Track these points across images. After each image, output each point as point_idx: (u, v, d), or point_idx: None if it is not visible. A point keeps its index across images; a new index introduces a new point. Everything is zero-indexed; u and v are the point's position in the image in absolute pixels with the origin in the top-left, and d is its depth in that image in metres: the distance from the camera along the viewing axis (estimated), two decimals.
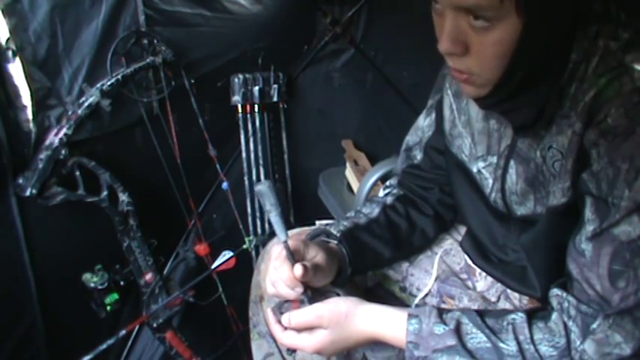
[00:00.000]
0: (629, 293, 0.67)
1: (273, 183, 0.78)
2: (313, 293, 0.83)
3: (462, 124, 0.92)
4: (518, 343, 0.73)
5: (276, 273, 0.82)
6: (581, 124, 0.71)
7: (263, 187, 0.81)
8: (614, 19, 0.70)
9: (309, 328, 0.80)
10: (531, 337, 0.73)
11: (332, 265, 0.88)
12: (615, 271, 0.68)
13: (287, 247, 0.81)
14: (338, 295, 0.85)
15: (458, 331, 0.75)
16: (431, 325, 0.76)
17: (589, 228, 0.71)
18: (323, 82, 1.83)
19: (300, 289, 0.81)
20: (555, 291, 0.76)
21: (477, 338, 0.75)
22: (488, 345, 0.74)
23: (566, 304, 0.73)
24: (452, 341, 0.74)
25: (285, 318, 0.80)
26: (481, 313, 0.77)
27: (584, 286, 0.71)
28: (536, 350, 0.72)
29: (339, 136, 1.90)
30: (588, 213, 0.71)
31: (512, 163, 0.84)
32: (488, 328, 0.75)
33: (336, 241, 0.93)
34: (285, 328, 0.81)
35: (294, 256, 0.81)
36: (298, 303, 0.83)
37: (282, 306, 0.84)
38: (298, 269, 0.78)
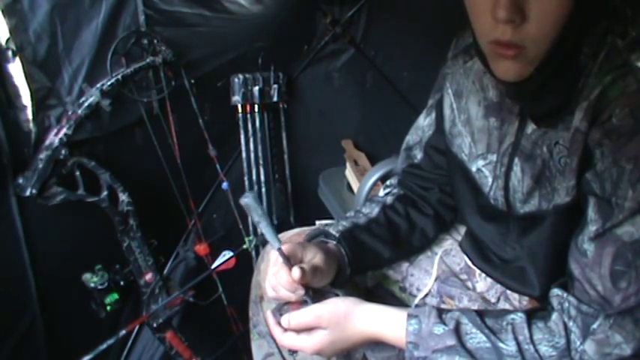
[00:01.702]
0: (631, 294, 0.67)
1: (256, 193, 0.79)
2: (313, 294, 0.83)
3: (461, 123, 0.92)
4: (518, 344, 0.73)
5: (275, 279, 0.83)
6: (587, 123, 0.71)
7: (249, 200, 0.81)
8: (625, 17, 0.70)
9: (309, 329, 0.80)
10: (531, 337, 0.73)
11: (331, 266, 0.87)
12: (617, 271, 0.68)
13: (282, 253, 0.81)
14: (337, 295, 0.85)
15: (457, 331, 0.75)
16: (430, 326, 0.76)
17: (592, 228, 0.71)
18: (323, 82, 1.83)
19: (301, 292, 0.81)
20: (556, 291, 0.76)
21: (476, 338, 0.75)
22: (488, 345, 0.74)
23: (566, 304, 0.73)
24: (451, 341, 0.74)
25: (284, 319, 0.80)
26: (480, 313, 0.77)
27: (585, 287, 0.71)
28: (536, 350, 0.72)
29: (339, 136, 1.89)
30: (591, 213, 0.71)
31: (516, 160, 0.84)
32: (488, 328, 0.75)
33: (334, 241, 0.93)
34: (285, 330, 0.81)
35: (290, 261, 0.81)
36: (298, 304, 0.83)
37: (282, 308, 0.84)
38: (296, 272, 0.79)
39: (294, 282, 0.80)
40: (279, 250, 0.81)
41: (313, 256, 0.85)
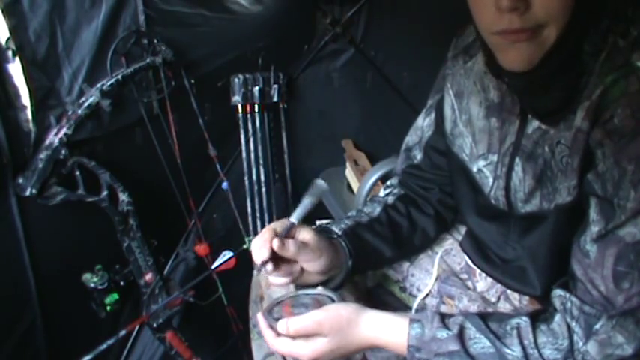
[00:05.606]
0: (633, 294, 0.67)
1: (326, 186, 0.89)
2: (305, 296, 0.83)
3: (462, 124, 0.92)
4: (523, 348, 0.72)
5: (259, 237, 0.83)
6: (588, 123, 0.71)
7: (324, 187, 0.89)
8: (626, 17, 0.70)
9: (306, 335, 0.77)
10: (535, 341, 0.73)
11: (322, 246, 0.86)
12: (619, 272, 0.68)
13: (290, 226, 0.84)
14: (332, 299, 0.83)
15: (461, 336, 0.75)
16: (434, 330, 0.76)
17: (594, 229, 0.71)
18: (323, 82, 1.83)
19: (266, 253, 0.80)
20: (558, 291, 0.76)
21: (480, 343, 0.74)
22: (492, 350, 0.73)
23: (569, 305, 0.73)
24: (455, 346, 0.74)
25: (281, 324, 0.77)
26: (484, 317, 0.77)
27: (587, 287, 0.71)
28: (540, 354, 0.72)
29: (339, 136, 1.90)
30: (593, 214, 0.71)
31: (517, 160, 0.84)
32: (492, 332, 0.74)
33: (335, 236, 0.93)
34: (279, 334, 0.78)
35: (286, 235, 0.83)
36: (289, 306, 0.81)
37: (273, 309, 0.81)
38: (275, 242, 0.80)
39: (267, 241, 0.80)
40: (292, 225, 0.84)
41: (306, 236, 0.85)
